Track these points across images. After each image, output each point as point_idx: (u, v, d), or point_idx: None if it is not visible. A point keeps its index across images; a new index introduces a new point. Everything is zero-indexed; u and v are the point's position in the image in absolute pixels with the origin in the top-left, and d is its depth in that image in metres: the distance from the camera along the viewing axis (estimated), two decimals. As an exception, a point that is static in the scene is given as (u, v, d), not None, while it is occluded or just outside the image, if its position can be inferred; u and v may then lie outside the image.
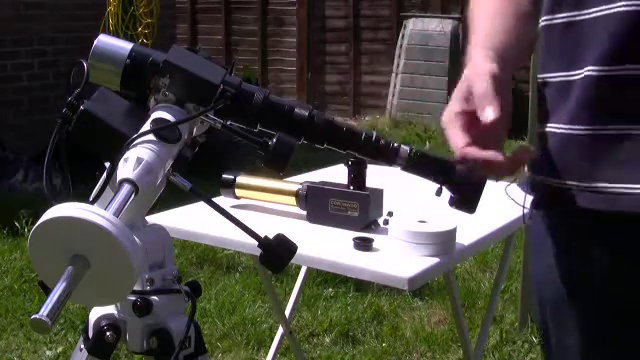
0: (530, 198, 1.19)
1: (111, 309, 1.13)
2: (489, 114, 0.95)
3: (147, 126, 1.07)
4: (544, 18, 1.12)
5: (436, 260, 1.62)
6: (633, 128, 1.00)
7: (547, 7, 1.11)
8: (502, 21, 1.11)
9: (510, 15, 1.12)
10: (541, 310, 1.20)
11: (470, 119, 0.99)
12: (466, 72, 1.03)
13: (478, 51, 1.06)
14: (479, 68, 1.02)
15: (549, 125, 1.11)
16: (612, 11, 1.00)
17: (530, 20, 1.14)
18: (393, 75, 8.04)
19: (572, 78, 1.05)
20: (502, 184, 1.31)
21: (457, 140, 0.99)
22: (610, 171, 1.02)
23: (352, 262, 1.62)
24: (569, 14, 1.07)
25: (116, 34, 5.04)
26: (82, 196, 0.99)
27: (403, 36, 7.93)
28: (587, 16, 1.04)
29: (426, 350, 3.14)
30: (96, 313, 1.14)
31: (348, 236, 1.71)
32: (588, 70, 1.02)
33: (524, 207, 1.20)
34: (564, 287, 1.12)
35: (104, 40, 1.15)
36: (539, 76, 1.14)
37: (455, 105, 1.01)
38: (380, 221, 1.82)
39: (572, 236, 1.11)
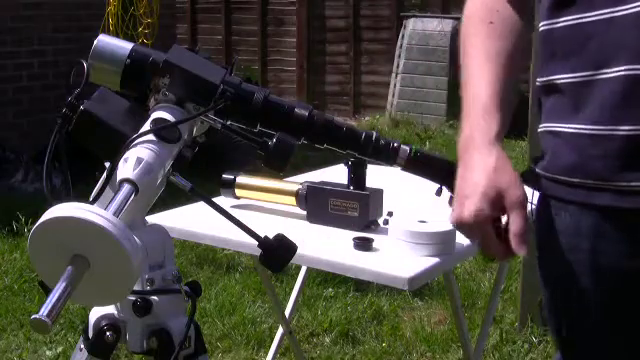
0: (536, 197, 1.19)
1: (111, 309, 1.13)
2: (521, 252, 1.05)
3: (147, 126, 1.07)
4: (544, 22, 1.11)
5: (436, 260, 1.62)
6: None
7: (547, 12, 1.10)
8: (495, 66, 1.13)
9: (501, 51, 1.13)
10: (556, 308, 1.20)
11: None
12: (492, 174, 1.06)
13: (487, 138, 1.09)
14: (508, 174, 1.07)
15: (561, 125, 1.09)
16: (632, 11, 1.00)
17: (522, 34, 1.15)
18: (393, 75, 8.04)
19: (595, 78, 1.04)
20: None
21: (497, 248, 1.08)
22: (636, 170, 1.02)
23: (352, 262, 1.62)
24: (577, 16, 1.06)
25: (116, 34, 5.03)
26: (82, 196, 0.99)
27: (403, 36, 7.92)
28: (596, 18, 1.03)
29: (426, 350, 3.14)
30: (96, 313, 1.14)
31: (348, 236, 1.71)
32: (624, 69, 1.01)
33: (532, 203, 1.19)
34: (581, 281, 1.12)
35: (104, 40, 1.15)
36: (541, 79, 1.12)
37: (486, 207, 1.06)
38: (380, 221, 1.82)
39: (589, 234, 1.10)
